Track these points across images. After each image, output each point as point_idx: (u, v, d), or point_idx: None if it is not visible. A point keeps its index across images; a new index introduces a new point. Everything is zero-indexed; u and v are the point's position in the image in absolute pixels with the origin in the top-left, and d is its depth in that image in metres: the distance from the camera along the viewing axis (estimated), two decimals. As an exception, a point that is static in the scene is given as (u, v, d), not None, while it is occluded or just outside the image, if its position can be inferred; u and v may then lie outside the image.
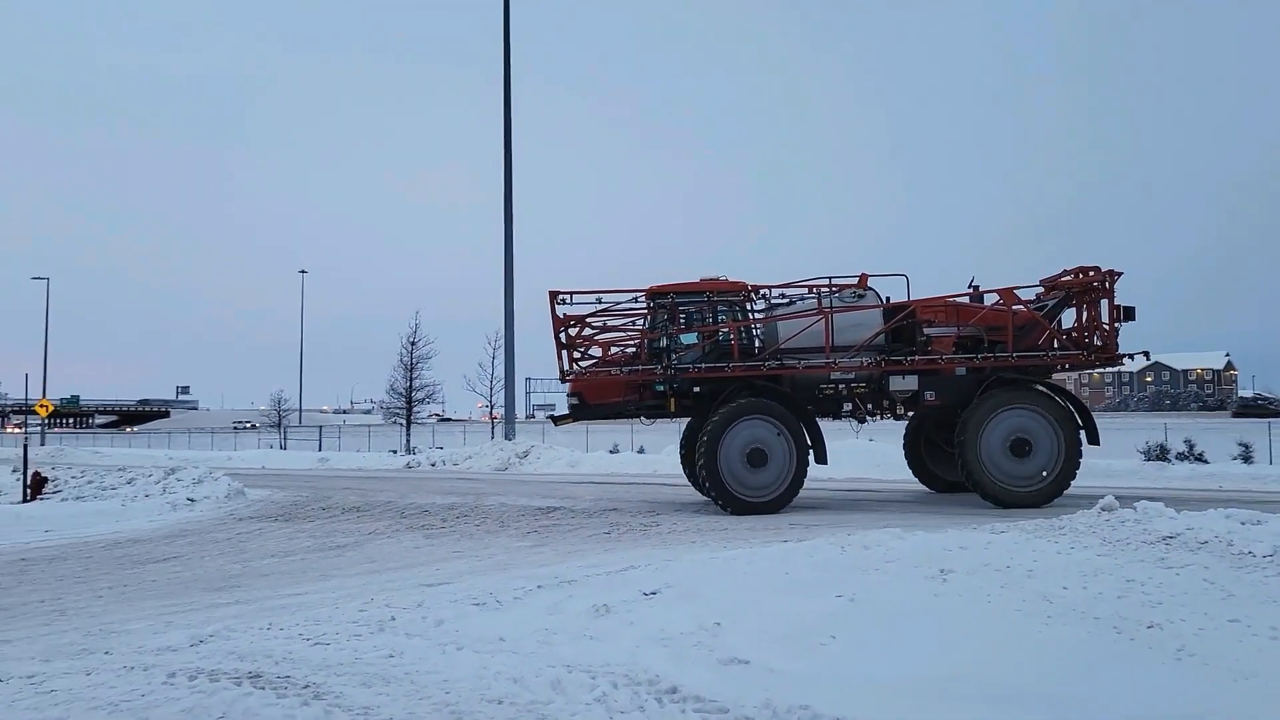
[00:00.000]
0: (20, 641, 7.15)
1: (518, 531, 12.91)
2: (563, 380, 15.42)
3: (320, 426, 60.88)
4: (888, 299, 15.73)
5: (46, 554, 12.01)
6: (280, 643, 6.48)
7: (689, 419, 16.79)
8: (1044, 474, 14.34)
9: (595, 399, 15.44)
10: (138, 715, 5.01)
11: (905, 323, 15.32)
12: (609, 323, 15.93)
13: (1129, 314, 15.28)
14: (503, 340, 33.17)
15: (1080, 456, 14.56)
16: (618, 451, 31.29)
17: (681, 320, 15.40)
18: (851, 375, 15.12)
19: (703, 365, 14.90)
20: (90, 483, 19.96)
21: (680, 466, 18.16)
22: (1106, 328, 15.11)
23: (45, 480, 19.91)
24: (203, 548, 12.42)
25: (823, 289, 15.43)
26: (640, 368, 15.05)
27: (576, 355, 15.53)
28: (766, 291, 15.92)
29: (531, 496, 18.04)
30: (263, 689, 5.41)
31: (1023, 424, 14.45)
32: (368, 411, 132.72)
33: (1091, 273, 15.36)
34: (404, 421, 42.93)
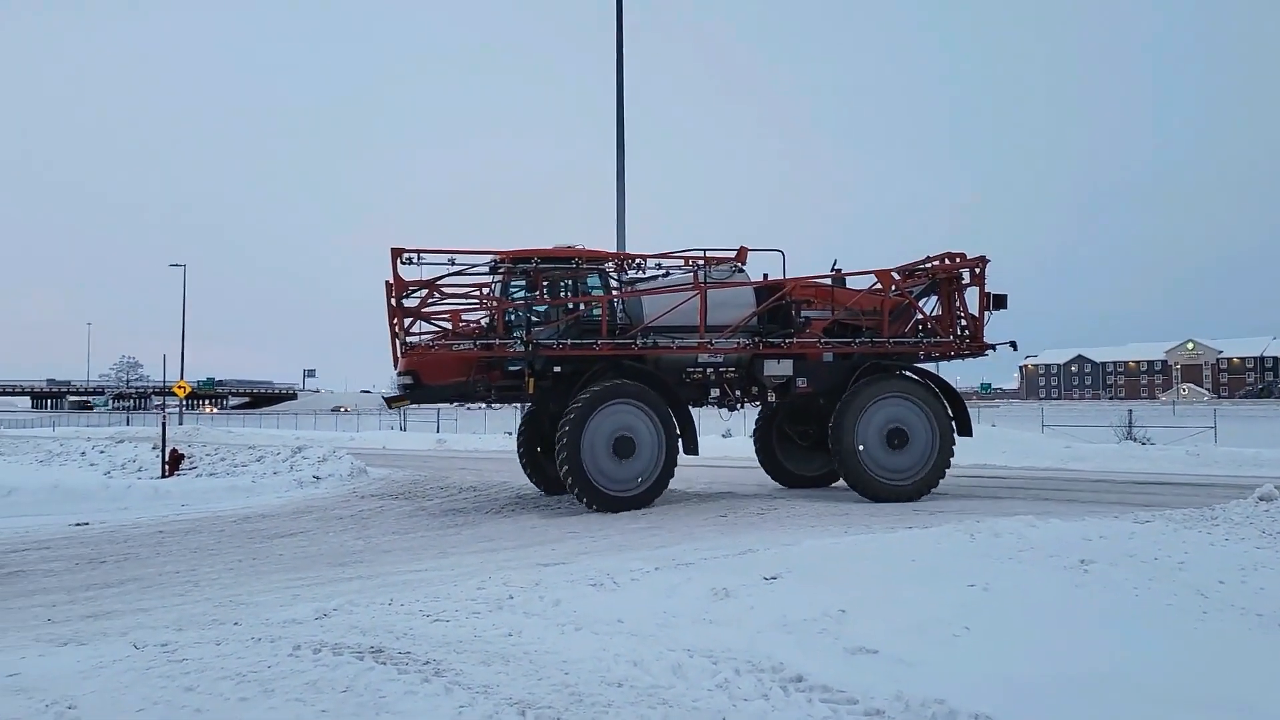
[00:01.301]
0: (157, 610, 7.39)
1: (632, 514, 12.83)
2: (401, 356, 13.33)
3: (439, 409, 62.27)
4: (765, 276, 14.93)
5: (182, 527, 12.49)
6: (401, 618, 6.51)
7: (527, 405, 15.30)
8: (919, 466, 13.80)
9: (434, 378, 13.25)
10: (264, 686, 5.07)
11: (781, 303, 14.21)
12: (459, 290, 14.00)
13: (1000, 302, 14.69)
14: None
15: (954, 447, 13.94)
16: (730, 436, 31.03)
17: (544, 290, 13.69)
18: (720, 359, 13.98)
19: (568, 342, 13.29)
20: (223, 460, 20.77)
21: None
22: (973, 316, 14.74)
23: (182, 457, 20.81)
24: (326, 524, 12.74)
25: (698, 262, 14.19)
26: (496, 342, 13.09)
27: (417, 326, 13.52)
28: (641, 262, 14.42)
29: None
30: (384, 664, 5.42)
31: (899, 414, 13.74)
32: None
33: (959, 258, 14.79)
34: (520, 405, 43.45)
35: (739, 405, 14.67)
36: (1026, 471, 18.28)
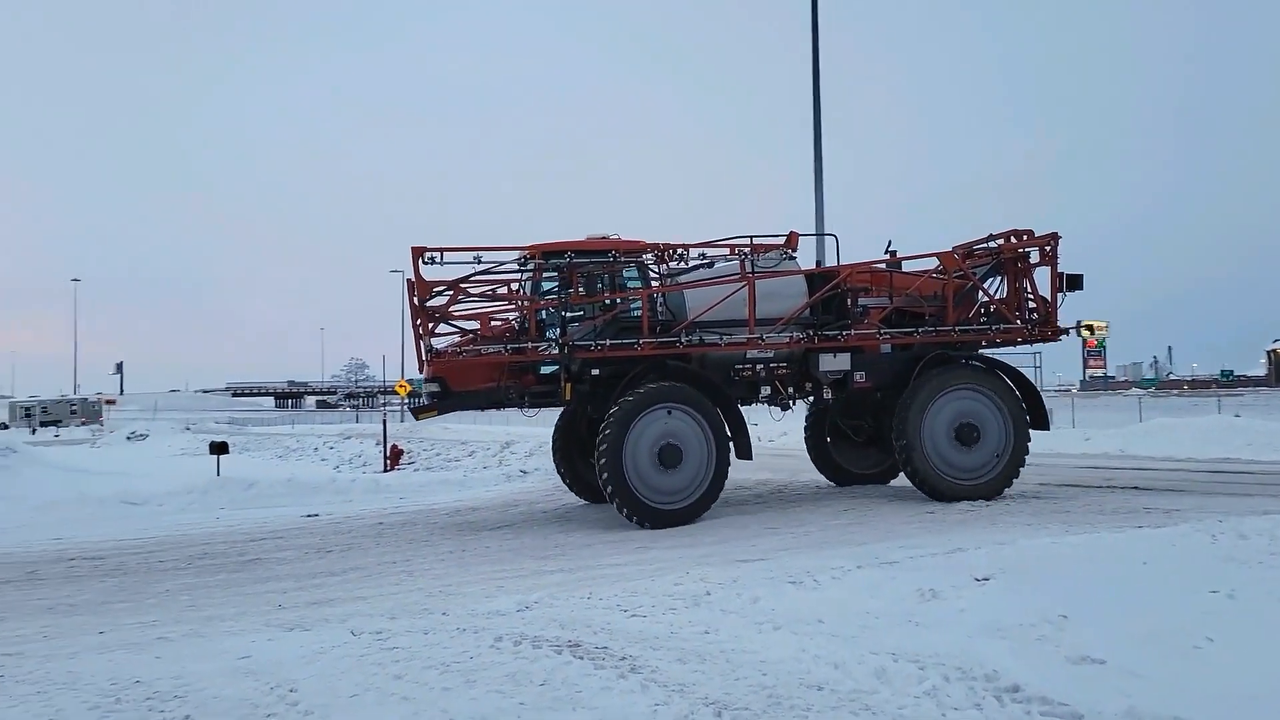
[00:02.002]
0: (373, 598, 7.76)
1: (832, 509, 12.48)
2: (427, 362, 12.21)
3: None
4: (818, 263, 13.79)
5: (400, 519, 13.16)
6: (599, 613, 6.54)
7: (561, 408, 13.93)
8: (993, 464, 12.58)
9: (463, 384, 12.18)
10: (466, 677, 5.18)
11: (835, 292, 13.02)
12: (487, 290, 12.85)
13: (1075, 283, 13.49)
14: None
15: (1029, 443, 12.82)
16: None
17: (579, 287, 12.38)
18: (771, 354, 12.79)
19: (607, 342, 12.06)
20: (438, 455, 21.85)
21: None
22: (1044, 299, 13.59)
23: (402, 453, 22.03)
24: (531, 517, 13.09)
25: (743, 249, 13.02)
26: (529, 345, 11.92)
27: (442, 330, 12.35)
28: (684, 252, 13.02)
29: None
30: (581, 659, 5.44)
31: (969, 408, 12.60)
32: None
33: (1026, 236, 13.69)
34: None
35: (792, 403, 13.67)
36: (1278, 466, 16.55)
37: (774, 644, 5.67)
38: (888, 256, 13.86)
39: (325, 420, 77.02)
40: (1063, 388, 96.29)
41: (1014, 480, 12.82)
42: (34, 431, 48.38)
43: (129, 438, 33.06)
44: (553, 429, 14.67)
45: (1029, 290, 13.81)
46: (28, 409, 55.97)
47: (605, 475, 11.36)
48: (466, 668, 5.32)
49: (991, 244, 14.13)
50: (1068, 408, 30.38)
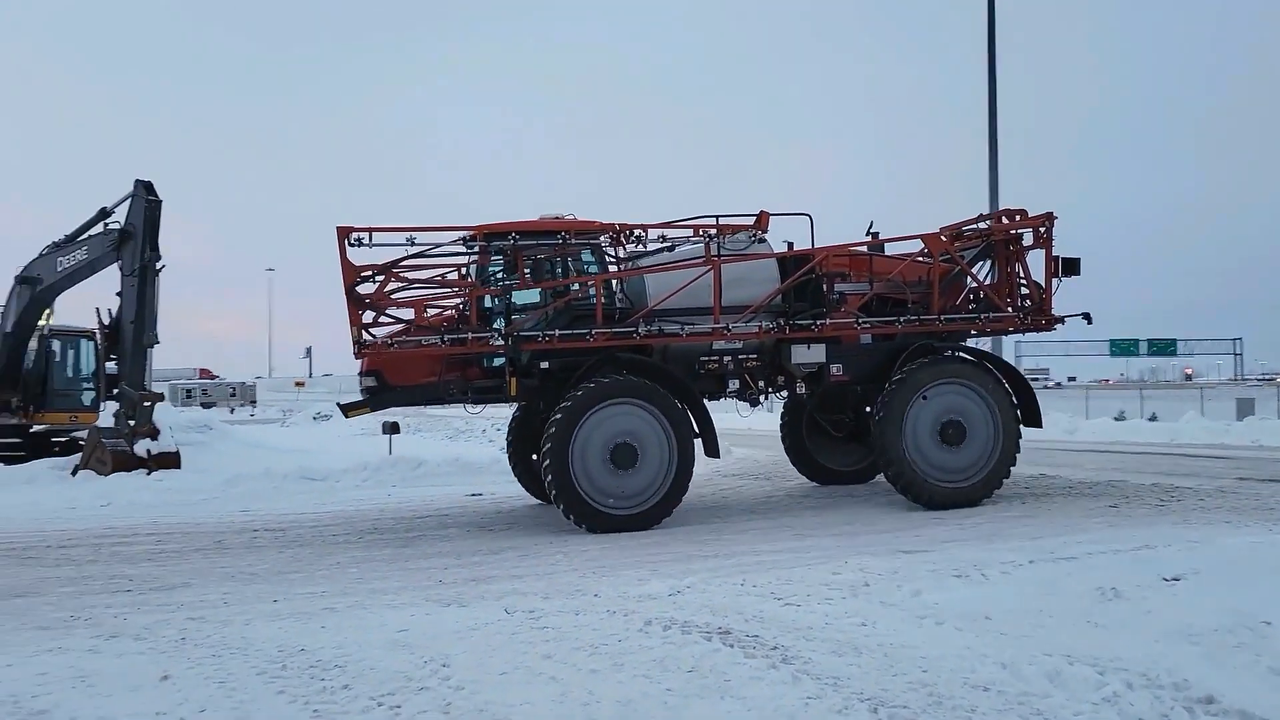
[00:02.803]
0: (528, 578, 7.83)
1: (1004, 500, 11.86)
2: (357, 354, 11.15)
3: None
4: (790, 245, 12.24)
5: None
6: (752, 600, 6.37)
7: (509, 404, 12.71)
8: (980, 465, 11.41)
9: (400, 378, 11.25)
10: (614, 659, 5.12)
11: (810, 277, 11.72)
12: (425, 275, 11.62)
13: (1071, 267, 12.38)
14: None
15: (1019, 442, 11.68)
16: (1124, 419, 28.12)
17: (527, 271, 11.28)
18: (739, 344, 11.62)
19: (556, 333, 10.90)
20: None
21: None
22: (1038, 284, 12.43)
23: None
24: (687, 501, 12.92)
25: (708, 231, 11.88)
26: (470, 336, 10.74)
27: (372, 318, 11.09)
28: (641, 234, 11.94)
29: (1020, 463, 16.61)
30: (731, 646, 5.29)
31: (955, 404, 11.42)
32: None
33: (1019, 217, 12.51)
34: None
35: (764, 398, 12.54)
36: None
37: (936, 640, 5.37)
38: (869, 239, 12.71)
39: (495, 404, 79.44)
40: (1267, 376, 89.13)
41: (1002, 483, 11.66)
42: (232, 411, 52.03)
43: (314, 418, 34.99)
44: (507, 427, 13.81)
45: (1022, 275, 12.65)
46: (189, 390, 60.01)
47: (549, 477, 10.32)
48: (615, 650, 5.26)
49: (981, 225, 13.04)
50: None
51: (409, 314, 11.08)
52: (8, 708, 4.57)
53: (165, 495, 13.73)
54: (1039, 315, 12.50)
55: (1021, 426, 11.77)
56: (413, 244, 10.96)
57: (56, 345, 18.10)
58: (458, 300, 11.55)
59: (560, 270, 11.56)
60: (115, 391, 15.75)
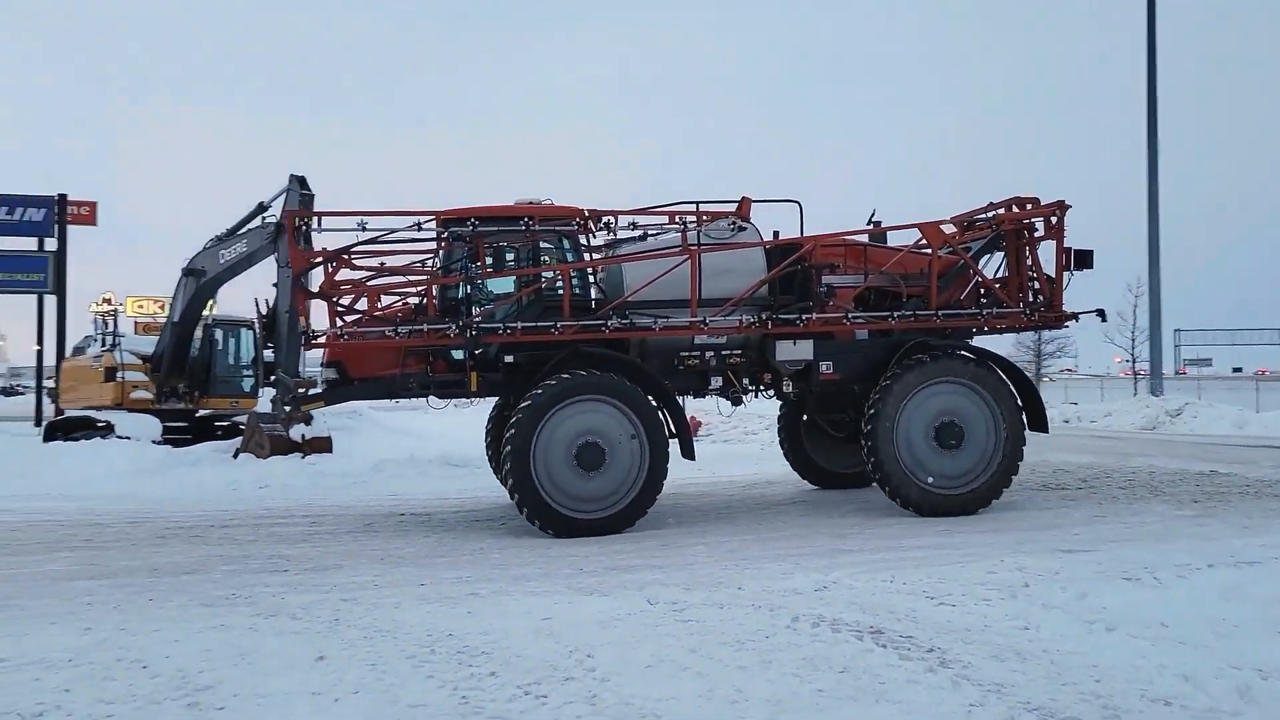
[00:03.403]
0: (670, 568, 7.74)
1: (1174, 498, 11.14)
2: (307, 345, 10.91)
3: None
4: (776, 234, 11.18)
5: (697, 490, 13.21)
6: (903, 598, 6.12)
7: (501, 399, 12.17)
8: (978, 471, 10.52)
9: (363, 371, 10.84)
10: (762, 656, 4.97)
11: (798, 268, 10.88)
12: (382, 262, 11.34)
13: (1084, 260, 11.52)
14: (1145, 286, 29.79)
15: (1023, 447, 10.69)
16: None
17: (489, 260, 10.75)
18: (723, 339, 10.85)
19: (519, 325, 10.27)
20: (735, 427, 21.83)
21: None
22: (1047, 278, 11.54)
23: (700, 424, 22.29)
24: (828, 494, 12.70)
25: (687, 218, 10.97)
26: (427, 327, 10.24)
27: (330, 308, 10.61)
28: (611, 221, 11.14)
29: (1188, 459, 15.63)
30: (884, 647, 5.07)
31: (953, 405, 10.55)
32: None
33: (1030, 205, 11.65)
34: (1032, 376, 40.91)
35: (749, 396, 11.69)
36: None
37: (1107, 647, 5.03)
38: (869, 227, 11.90)
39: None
40: None
41: (1003, 491, 10.71)
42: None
43: (455, 404, 35.92)
44: (486, 420, 13.37)
45: (1032, 268, 11.68)
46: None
47: (511, 481, 9.77)
48: (762, 647, 5.12)
49: (990, 215, 12.02)
50: None
51: (364, 304, 10.72)
52: (176, 683, 4.75)
53: (318, 479, 14.29)
54: (1048, 311, 11.67)
55: (1026, 431, 10.95)
56: (364, 229, 10.44)
57: (219, 334, 19.04)
58: (417, 290, 11.10)
59: (527, 259, 10.84)
60: (272, 379, 16.47)
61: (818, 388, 11.33)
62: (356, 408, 21.57)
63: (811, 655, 4.94)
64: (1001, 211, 11.84)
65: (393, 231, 10.73)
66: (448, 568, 7.98)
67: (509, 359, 10.56)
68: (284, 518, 11.12)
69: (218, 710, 4.41)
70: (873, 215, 12.13)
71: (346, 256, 10.75)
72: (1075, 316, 11.81)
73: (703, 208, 11.12)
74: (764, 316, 10.68)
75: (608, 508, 9.89)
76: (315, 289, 10.70)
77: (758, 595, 6.37)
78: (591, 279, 11.39)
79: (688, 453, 10.55)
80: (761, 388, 11.51)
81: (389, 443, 17.55)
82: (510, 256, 10.94)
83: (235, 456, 15.71)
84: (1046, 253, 11.65)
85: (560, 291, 10.59)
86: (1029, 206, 11.71)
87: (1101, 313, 12.06)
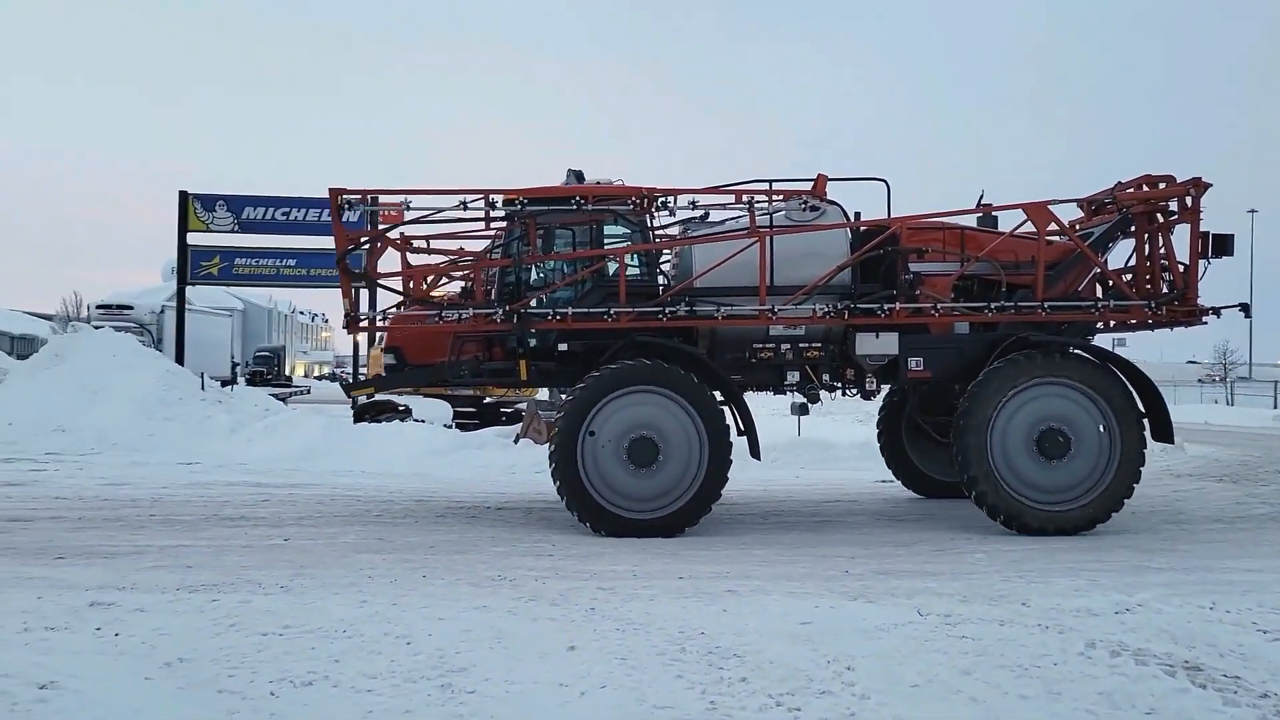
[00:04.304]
0: (943, 576, 7.10)
1: None
2: (350, 328, 10.23)
3: (1276, 382, 54.27)
4: (857, 215, 10.04)
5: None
6: (1226, 630, 5.23)
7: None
8: (1088, 485, 9.20)
9: (421, 357, 10.33)
10: (1049, 686, 4.37)
11: (882, 252, 9.81)
12: (432, 242, 10.89)
13: (1222, 246, 9.81)
14: None
15: (1142, 461, 9.26)
16: None
17: (540, 242, 9.92)
18: (801, 330, 9.87)
19: (569, 311, 9.56)
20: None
21: None
22: (1183, 267, 9.81)
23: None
24: (1133, 502, 11.13)
25: (757, 198, 9.83)
26: (474, 311, 9.70)
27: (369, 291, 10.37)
28: (671, 201, 9.93)
29: None
30: (1203, 687, 4.31)
31: (1058, 410, 9.29)
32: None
33: (1163, 185, 9.89)
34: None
35: (835, 394, 10.58)
36: None
37: None
38: (979, 208, 10.42)
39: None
40: None
41: (1119, 508, 9.07)
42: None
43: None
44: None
45: (1165, 256, 9.82)
46: None
47: (557, 474, 9.24)
48: (1049, 675, 4.50)
49: (1115, 195, 10.13)
50: None
51: (411, 287, 10.60)
52: (434, 661, 4.83)
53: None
54: (1180, 305, 9.81)
55: (1150, 442, 9.40)
56: (409, 208, 10.15)
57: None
58: (466, 272, 10.92)
59: (592, 241, 10.17)
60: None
61: (907, 386, 10.40)
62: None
63: (1110, 690, 4.27)
64: (1132, 191, 10.24)
65: (439, 211, 10.33)
66: (707, 561, 7.78)
67: (562, 347, 10.03)
68: (555, 504, 11.30)
69: (468, 693, 4.41)
70: (981, 196, 10.89)
71: (394, 238, 10.71)
72: (1216, 311, 10.07)
73: (775, 186, 10.20)
74: (839, 306, 9.76)
75: (662, 508, 9.25)
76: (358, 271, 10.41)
77: (1045, 614, 5.68)
78: (662, 264, 10.81)
79: (754, 451, 9.89)
80: (846, 385, 10.53)
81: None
82: (563, 239, 10.30)
83: (515, 441, 16.44)
84: (1184, 240, 9.94)
85: (630, 274, 10.09)
86: (1161, 186, 10.05)
87: (1245, 307, 10.24)
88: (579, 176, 11.17)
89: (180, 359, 21.15)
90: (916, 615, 5.71)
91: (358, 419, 18.55)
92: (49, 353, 19.69)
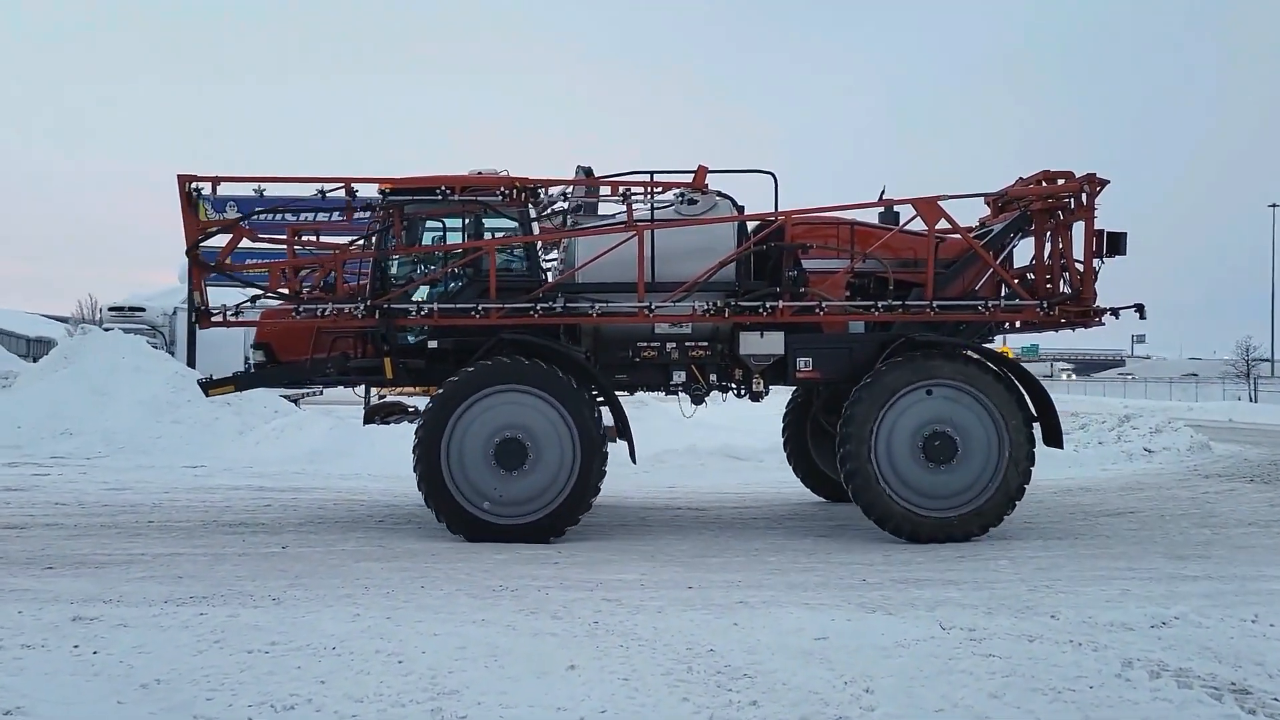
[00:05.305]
0: (966, 584, 6.78)
1: None
2: (201, 323, 9.76)
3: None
4: (741, 209, 9.67)
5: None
6: (1274, 646, 4.91)
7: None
8: (975, 491, 8.81)
9: (290, 353, 9.77)
10: (1084, 712, 4.04)
11: (768, 247, 9.44)
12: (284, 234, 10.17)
13: (1116, 245, 9.38)
14: None
15: (1031, 465, 8.87)
16: None
17: (403, 234, 9.54)
18: (688, 329, 9.54)
19: (435, 307, 9.18)
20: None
21: None
22: (1079, 265, 9.43)
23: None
24: (1161, 505, 11.03)
25: (634, 190, 9.50)
26: (336, 307, 9.27)
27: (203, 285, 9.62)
28: (544, 193, 9.73)
29: None
30: (1253, 713, 3.98)
31: (946, 413, 8.90)
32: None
33: (1062, 180, 9.50)
34: None
35: (722, 392, 10.07)
36: None
37: None
38: (879, 203, 9.85)
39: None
40: None
41: (1006, 515, 8.71)
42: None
43: (737, 395, 35.75)
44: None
45: (1062, 254, 9.52)
46: None
47: (420, 476, 8.80)
48: (1086, 700, 4.17)
49: (1014, 191, 9.89)
50: None
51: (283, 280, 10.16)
52: (425, 683, 4.54)
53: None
54: (1075, 305, 9.42)
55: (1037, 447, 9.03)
56: (262, 196, 9.61)
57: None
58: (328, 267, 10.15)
59: (470, 235, 9.69)
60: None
61: (797, 388, 10.25)
62: (641, 397, 21.76)
63: (1153, 718, 3.94)
64: (1032, 186, 9.82)
65: (296, 201, 10.07)
66: (718, 569, 7.46)
67: (432, 344, 9.59)
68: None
69: (459, 719, 4.12)
70: (883, 191, 10.31)
71: (246, 226, 10.02)
72: (1114, 312, 9.64)
73: (657, 180, 9.66)
74: (719, 304, 9.31)
75: (534, 511, 8.81)
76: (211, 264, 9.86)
77: (1077, 628, 5.35)
78: (549, 259, 10.33)
79: (632, 456, 9.40)
80: (736, 385, 10.00)
81: (669, 432, 17.32)
82: (436, 231, 9.91)
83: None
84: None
85: (510, 270, 9.62)
86: (1060, 181, 9.62)
87: (1140, 308, 9.74)
88: (588, 172, 10.87)
89: (192, 361, 20.97)
90: (939, 629, 5.39)
91: (367, 421, 18.32)
92: (58, 355, 19.56)
